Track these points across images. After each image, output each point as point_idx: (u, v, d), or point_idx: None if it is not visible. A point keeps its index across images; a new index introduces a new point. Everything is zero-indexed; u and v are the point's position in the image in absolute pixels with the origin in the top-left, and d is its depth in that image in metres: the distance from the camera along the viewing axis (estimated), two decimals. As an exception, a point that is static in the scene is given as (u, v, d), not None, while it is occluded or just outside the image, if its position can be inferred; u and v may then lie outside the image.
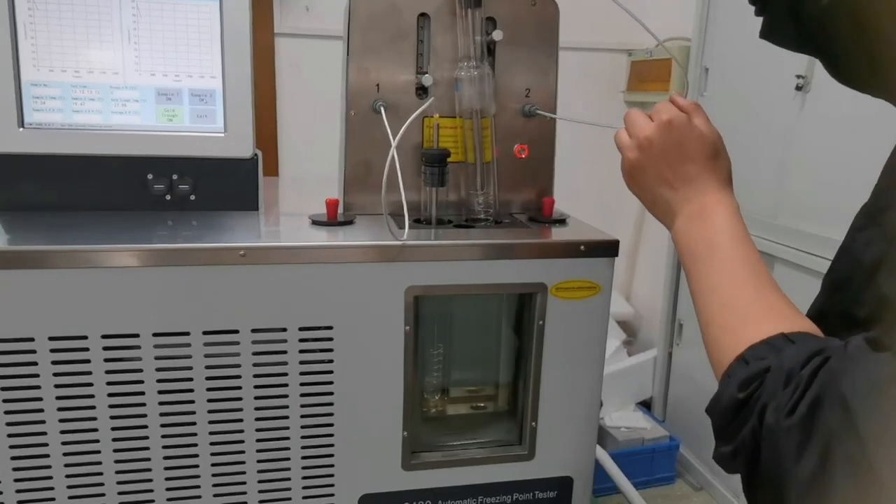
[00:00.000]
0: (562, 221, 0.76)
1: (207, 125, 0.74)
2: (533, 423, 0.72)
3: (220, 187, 0.75)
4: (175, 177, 0.74)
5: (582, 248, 0.68)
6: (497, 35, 0.72)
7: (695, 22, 1.80)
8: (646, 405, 2.01)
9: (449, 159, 0.72)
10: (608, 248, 0.69)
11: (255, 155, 0.76)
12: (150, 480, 0.64)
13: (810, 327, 0.46)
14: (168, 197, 0.74)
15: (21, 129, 0.71)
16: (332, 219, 0.70)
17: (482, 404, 0.80)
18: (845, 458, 0.36)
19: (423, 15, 0.73)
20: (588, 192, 1.57)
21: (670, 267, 1.87)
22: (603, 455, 1.40)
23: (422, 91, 0.74)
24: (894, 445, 0.34)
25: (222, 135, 0.74)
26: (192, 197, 0.74)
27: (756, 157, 1.57)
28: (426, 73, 0.73)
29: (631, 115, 0.59)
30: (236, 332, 0.63)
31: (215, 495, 0.66)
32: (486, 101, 0.73)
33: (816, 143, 1.40)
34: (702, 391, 1.83)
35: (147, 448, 0.63)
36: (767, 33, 0.60)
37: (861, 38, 0.51)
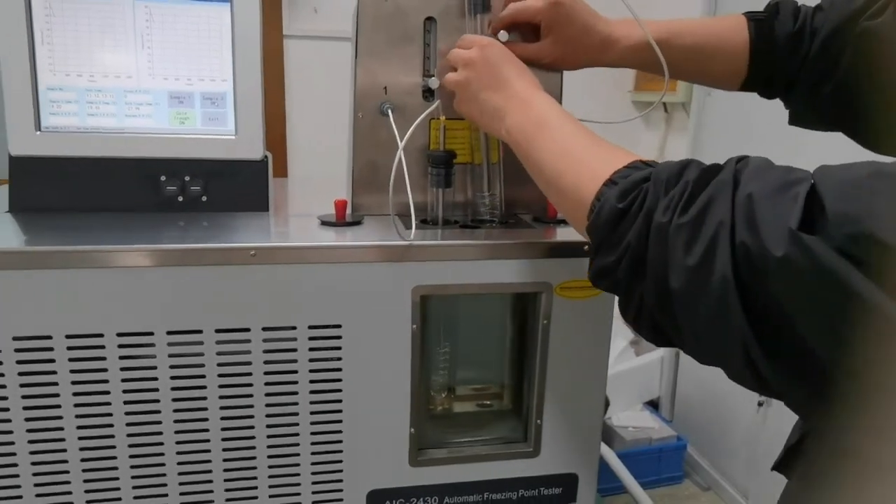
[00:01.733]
0: (566, 221, 0.77)
1: (218, 128, 0.76)
2: (538, 421, 0.73)
3: (231, 188, 0.76)
4: (187, 178, 0.75)
5: (586, 248, 0.69)
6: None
7: (701, 15, 1.80)
8: (653, 405, 2.01)
9: (455, 161, 0.73)
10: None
11: (265, 157, 0.78)
12: (163, 475, 0.66)
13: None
14: (180, 198, 0.76)
15: (38, 133, 0.72)
16: (341, 219, 0.71)
17: (488, 402, 0.81)
18: (729, 245, 0.38)
19: (429, 19, 0.74)
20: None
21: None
22: (609, 454, 1.41)
23: (428, 93, 0.75)
24: (785, 231, 0.36)
25: (233, 137, 0.76)
26: (204, 198, 0.76)
27: (764, 156, 1.57)
28: (433, 75, 0.74)
29: (452, 51, 0.69)
30: (247, 330, 0.64)
31: (227, 489, 0.68)
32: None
33: (822, 144, 1.40)
34: (710, 391, 1.83)
35: (161, 444, 0.65)
36: (795, 120, 0.71)
37: (880, 103, 0.58)
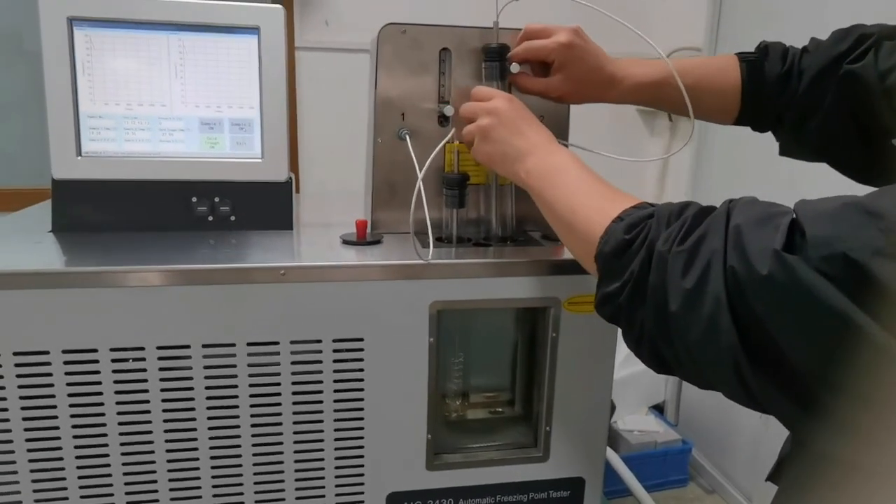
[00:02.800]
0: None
1: (246, 152, 0.81)
2: (547, 428, 0.78)
3: (258, 209, 0.81)
4: (217, 199, 0.80)
5: (592, 265, 0.73)
6: (514, 68, 0.77)
7: (704, 31, 1.84)
8: (658, 409, 2.05)
9: (469, 182, 0.78)
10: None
11: (290, 178, 0.82)
12: (198, 479, 0.71)
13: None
14: (210, 218, 0.81)
15: (79, 158, 0.78)
16: (362, 238, 0.76)
17: (500, 409, 0.85)
18: (722, 270, 0.42)
19: (444, 49, 0.79)
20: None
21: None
22: (614, 458, 1.45)
23: (444, 119, 0.80)
24: (769, 251, 0.40)
25: (259, 161, 0.81)
26: (233, 218, 0.81)
27: (767, 166, 1.61)
28: (448, 103, 0.79)
29: (467, 104, 0.72)
30: (276, 343, 0.69)
31: (256, 492, 0.72)
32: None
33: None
34: (714, 395, 1.86)
35: (196, 449, 0.70)
36: (785, 151, 0.77)
37: (860, 139, 0.65)
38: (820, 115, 0.67)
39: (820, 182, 1.42)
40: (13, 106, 1.93)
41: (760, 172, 1.63)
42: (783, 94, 0.71)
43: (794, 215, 0.41)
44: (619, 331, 0.71)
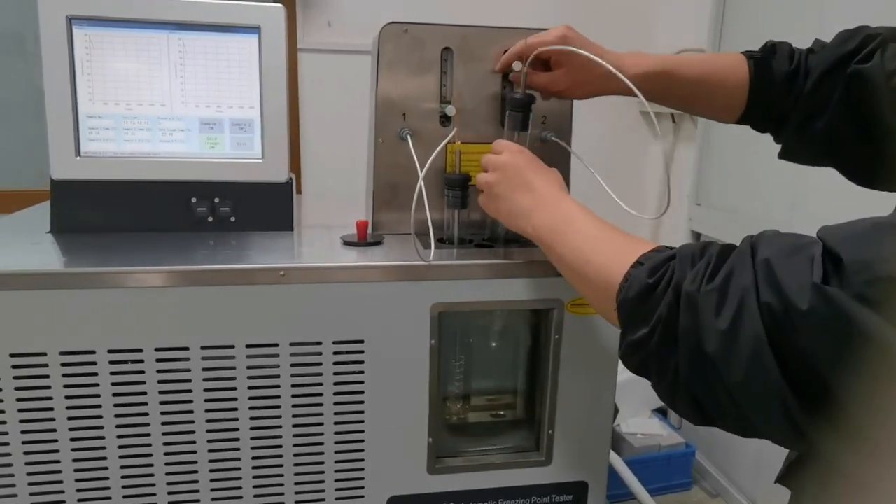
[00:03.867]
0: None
1: (246, 152, 0.80)
2: (550, 431, 0.77)
3: (258, 209, 0.81)
4: (216, 200, 0.80)
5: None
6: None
7: (708, 31, 1.83)
8: (661, 412, 2.03)
9: (470, 183, 0.77)
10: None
11: (290, 179, 0.82)
12: (196, 482, 0.70)
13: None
14: (210, 218, 0.80)
15: (78, 158, 0.77)
16: (363, 239, 0.75)
17: (502, 413, 0.84)
18: (756, 307, 0.41)
19: (446, 49, 0.78)
20: (602, 208, 1.62)
21: (685, 276, 1.90)
22: (618, 461, 1.44)
23: (445, 119, 0.79)
24: (808, 285, 0.39)
25: (260, 161, 0.80)
26: (233, 218, 0.80)
27: (771, 166, 1.60)
28: (449, 103, 0.78)
29: (485, 156, 0.72)
30: (276, 345, 0.68)
31: (255, 496, 0.72)
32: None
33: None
34: (717, 398, 1.85)
35: (194, 452, 0.69)
36: (786, 154, 0.75)
37: (868, 141, 0.63)
38: (826, 114, 0.66)
39: (822, 183, 1.41)
40: (14, 108, 1.93)
41: (763, 173, 1.62)
42: (790, 92, 0.70)
43: (823, 243, 0.40)
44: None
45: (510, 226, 0.68)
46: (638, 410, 1.96)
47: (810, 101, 0.68)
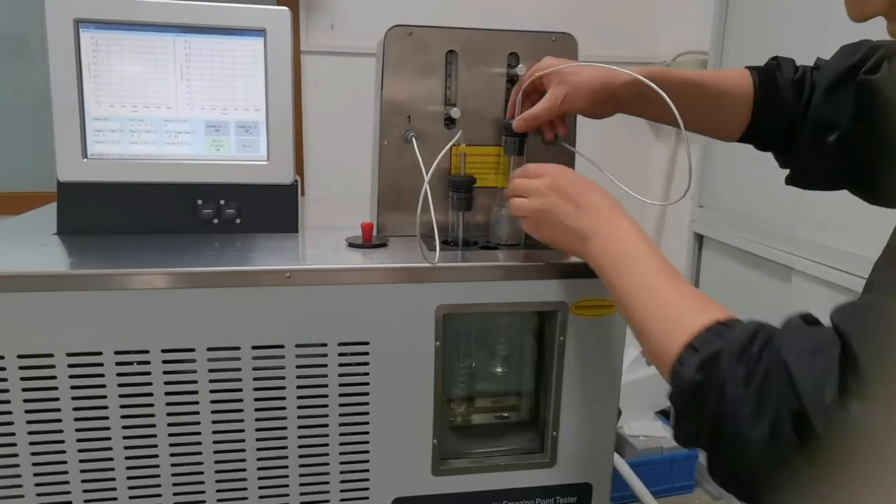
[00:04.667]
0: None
1: (252, 154, 0.81)
2: (554, 433, 0.77)
3: (263, 211, 0.81)
4: (222, 202, 0.80)
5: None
6: (521, 70, 0.77)
7: (711, 35, 1.83)
8: (664, 414, 2.03)
9: (475, 185, 0.78)
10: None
11: (295, 181, 0.82)
12: (202, 483, 0.70)
13: (730, 314, 0.53)
14: (216, 220, 0.80)
15: (84, 160, 0.77)
16: (368, 241, 0.76)
17: (506, 414, 0.85)
18: (790, 416, 0.42)
19: (450, 51, 0.78)
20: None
21: (687, 278, 1.90)
22: (621, 463, 1.44)
23: (450, 122, 0.79)
24: (825, 403, 0.40)
25: (265, 163, 0.81)
26: (238, 220, 0.80)
27: (774, 168, 1.60)
28: (454, 105, 0.78)
29: (515, 183, 0.70)
30: (281, 346, 0.68)
31: (260, 497, 0.72)
32: (520, 231, 0.78)
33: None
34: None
35: (200, 453, 0.69)
36: (794, 179, 0.73)
37: (882, 156, 0.62)
38: (838, 129, 0.65)
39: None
40: (18, 110, 1.93)
41: (765, 175, 1.62)
42: (797, 102, 0.69)
43: (841, 341, 0.41)
44: (627, 334, 0.70)
45: (569, 251, 0.66)
46: (641, 413, 1.96)
47: (820, 115, 0.67)
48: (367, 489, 0.74)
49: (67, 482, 0.67)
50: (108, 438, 0.67)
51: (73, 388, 0.65)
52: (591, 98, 0.72)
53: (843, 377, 0.40)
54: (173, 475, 0.69)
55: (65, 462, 0.67)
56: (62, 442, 0.66)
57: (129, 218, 0.79)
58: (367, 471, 0.73)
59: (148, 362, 0.66)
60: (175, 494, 0.70)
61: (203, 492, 0.70)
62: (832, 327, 0.43)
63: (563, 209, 0.65)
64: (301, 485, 0.72)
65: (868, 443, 0.38)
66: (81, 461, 0.67)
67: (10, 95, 1.91)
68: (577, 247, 0.65)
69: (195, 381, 0.68)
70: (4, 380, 0.64)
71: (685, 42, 1.98)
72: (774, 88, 0.69)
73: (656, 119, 0.73)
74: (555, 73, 0.72)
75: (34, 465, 0.66)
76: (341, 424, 0.71)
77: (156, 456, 0.68)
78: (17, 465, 0.66)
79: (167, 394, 0.67)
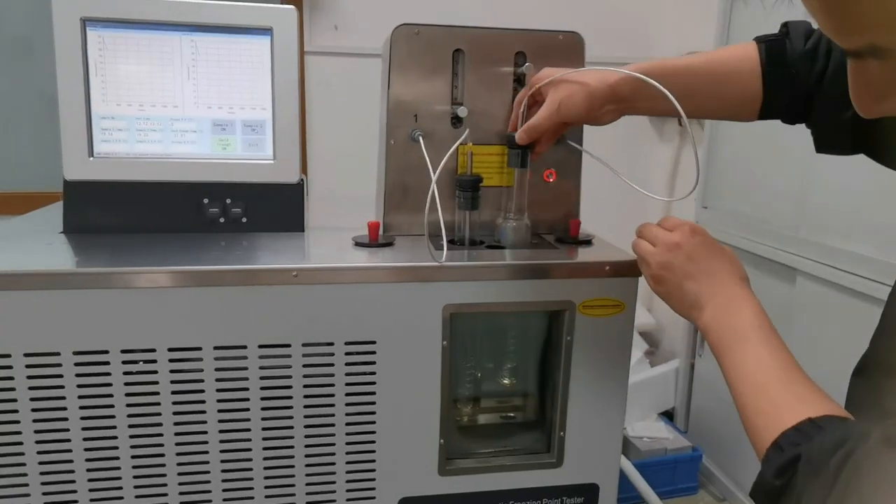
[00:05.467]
0: (587, 242, 0.80)
1: (258, 153, 0.81)
2: (561, 433, 0.77)
3: (270, 210, 0.81)
4: (228, 201, 0.80)
5: (607, 268, 0.72)
6: (528, 69, 0.77)
7: (715, 34, 1.83)
8: (668, 415, 2.03)
9: (482, 184, 0.77)
10: (632, 269, 0.73)
11: (301, 180, 0.82)
12: (208, 482, 0.70)
13: (834, 409, 0.50)
14: (222, 219, 0.80)
15: (91, 159, 0.77)
16: (374, 240, 0.75)
17: (512, 414, 0.84)
18: None
19: (457, 51, 0.78)
20: (612, 210, 1.61)
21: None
22: (627, 465, 1.44)
23: (456, 121, 0.79)
24: None
25: (272, 162, 0.81)
26: (244, 219, 0.80)
27: (778, 168, 1.60)
28: (461, 104, 0.78)
29: (649, 227, 0.67)
30: (288, 345, 0.68)
31: (266, 496, 0.71)
32: (525, 242, 0.79)
33: (833, 162, 1.42)
34: (724, 402, 1.84)
35: (206, 452, 0.69)
36: (822, 147, 0.67)
37: None
38: None
39: (829, 186, 1.41)
40: (24, 112, 1.94)
41: (769, 176, 1.62)
42: (810, 72, 0.63)
43: None
44: (634, 334, 0.69)
45: (681, 314, 0.64)
46: (645, 414, 1.96)
47: (836, 89, 0.61)
48: (373, 489, 0.74)
49: (73, 481, 0.67)
50: (115, 437, 0.67)
51: (79, 386, 0.65)
52: (588, 100, 0.70)
53: None
54: (179, 474, 0.69)
55: (71, 461, 0.67)
56: (68, 441, 0.66)
57: (135, 217, 0.79)
58: (373, 470, 0.73)
59: (154, 361, 0.66)
60: (181, 493, 0.70)
61: (209, 490, 0.70)
62: None
63: (686, 269, 0.63)
64: (307, 484, 0.72)
65: None
66: (87, 460, 0.67)
67: (15, 96, 1.92)
68: (692, 312, 0.62)
69: (202, 380, 0.67)
70: (11, 378, 0.64)
71: (688, 40, 1.98)
72: (783, 62, 0.65)
73: (662, 113, 0.71)
74: (551, 81, 0.72)
75: (40, 463, 0.66)
76: (348, 424, 0.71)
77: (162, 455, 0.68)
78: (24, 465, 0.66)
79: (174, 392, 0.67)
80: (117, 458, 0.67)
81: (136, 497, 0.69)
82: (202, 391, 0.68)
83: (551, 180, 0.81)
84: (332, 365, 0.69)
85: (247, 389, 0.68)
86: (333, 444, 0.71)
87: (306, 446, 0.71)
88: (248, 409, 0.69)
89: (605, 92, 0.70)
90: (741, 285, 0.61)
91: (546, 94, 0.73)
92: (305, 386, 0.69)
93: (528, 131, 0.73)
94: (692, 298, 0.62)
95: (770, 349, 0.56)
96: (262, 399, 0.69)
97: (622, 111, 0.73)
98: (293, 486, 0.72)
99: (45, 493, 0.67)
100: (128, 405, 0.67)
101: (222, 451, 0.69)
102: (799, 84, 0.65)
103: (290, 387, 0.69)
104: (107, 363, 0.65)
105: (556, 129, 0.75)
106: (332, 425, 0.71)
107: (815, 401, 0.52)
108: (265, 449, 0.70)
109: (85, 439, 0.66)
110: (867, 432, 0.44)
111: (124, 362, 0.66)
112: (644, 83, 0.66)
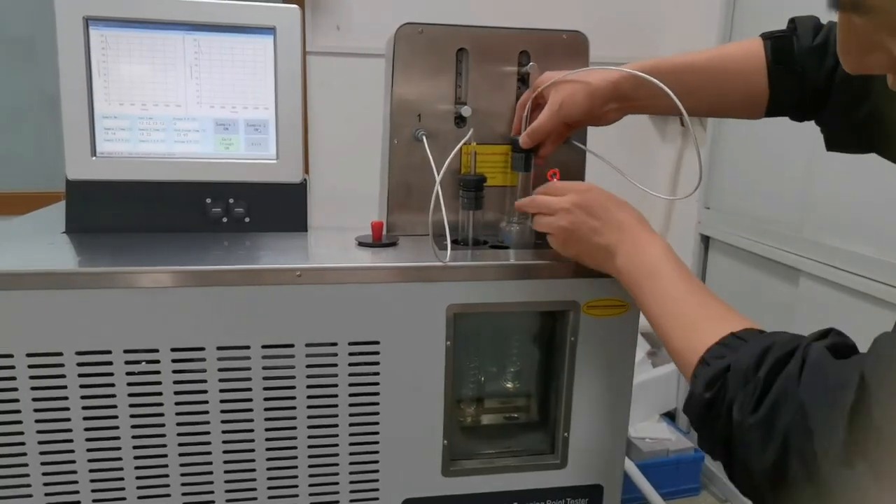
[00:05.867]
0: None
1: (261, 153, 0.80)
2: (565, 434, 0.76)
3: (272, 210, 0.80)
4: (231, 200, 0.80)
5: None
6: (532, 68, 0.76)
7: (717, 34, 1.83)
8: (670, 416, 2.02)
9: (486, 184, 0.77)
10: (637, 269, 0.72)
11: (304, 180, 0.82)
12: (211, 483, 0.70)
13: (752, 324, 0.52)
14: (225, 219, 0.80)
15: (94, 158, 0.77)
16: (378, 240, 0.75)
17: (516, 415, 0.84)
18: (799, 453, 0.41)
19: (461, 50, 0.78)
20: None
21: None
22: (630, 466, 1.43)
23: (460, 120, 0.79)
24: (837, 443, 0.39)
25: (274, 162, 0.80)
26: (247, 219, 0.80)
27: (781, 169, 1.59)
28: (465, 104, 0.78)
29: (541, 199, 0.70)
30: (291, 346, 0.68)
31: (270, 497, 0.71)
32: (529, 245, 0.78)
33: (842, 156, 1.42)
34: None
35: (209, 453, 0.69)
36: (832, 145, 0.67)
37: None
38: (869, 99, 0.59)
39: (832, 186, 1.40)
40: (26, 112, 1.94)
41: (772, 176, 1.62)
42: (819, 69, 0.62)
43: (861, 389, 0.39)
44: (638, 336, 0.69)
45: (597, 267, 0.67)
46: (647, 415, 1.95)
47: (847, 87, 0.60)
48: (376, 489, 0.73)
49: (76, 481, 0.67)
50: (118, 438, 0.67)
51: (82, 386, 0.65)
52: (589, 98, 0.70)
53: (856, 429, 0.38)
54: (182, 474, 0.69)
55: (73, 462, 0.66)
56: (71, 441, 0.66)
57: (137, 216, 0.78)
58: (376, 471, 0.73)
59: (157, 361, 0.66)
60: (184, 494, 0.69)
61: (212, 491, 0.70)
62: (861, 362, 0.41)
63: (588, 226, 0.65)
64: (311, 485, 0.72)
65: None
66: (90, 460, 0.67)
67: (17, 97, 1.92)
68: (605, 263, 0.65)
69: (205, 381, 0.67)
70: (13, 378, 0.63)
71: (691, 40, 1.98)
72: (790, 59, 0.63)
73: (666, 112, 0.70)
74: (553, 83, 0.71)
75: (43, 464, 0.66)
76: (351, 424, 0.71)
77: (165, 455, 0.68)
78: (26, 465, 0.65)
79: (176, 393, 0.67)
80: (120, 459, 0.67)
81: (139, 497, 0.68)
82: (205, 391, 0.67)
83: (555, 180, 0.81)
84: (335, 365, 0.69)
85: (250, 390, 0.68)
86: (337, 445, 0.71)
87: (309, 447, 0.71)
88: (251, 410, 0.68)
89: (606, 90, 0.70)
90: (643, 228, 0.64)
91: (548, 97, 0.72)
92: (309, 386, 0.69)
93: (531, 134, 0.73)
94: (603, 251, 0.65)
95: (681, 278, 0.58)
96: (266, 399, 0.68)
97: (625, 110, 0.73)
98: (296, 486, 0.71)
99: (47, 494, 0.66)
100: (130, 405, 0.66)
101: (225, 452, 0.69)
102: (807, 81, 0.64)
103: (293, 387, 0.69)
104: (109, 363, 0.65)
105: (560, 132, 0.74)
106: (336, 426, 0.71)
107: (733, 318, 0.54)
108: (268, 449, 0.70)
109: (88, 440, 0.66)
110: (801, 341, 0.46)
111: (127, 362, 0.65)
112: (646, 82, 0.65)
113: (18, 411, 0.64)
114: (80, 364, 0.65)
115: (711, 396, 0.49)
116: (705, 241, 1.94)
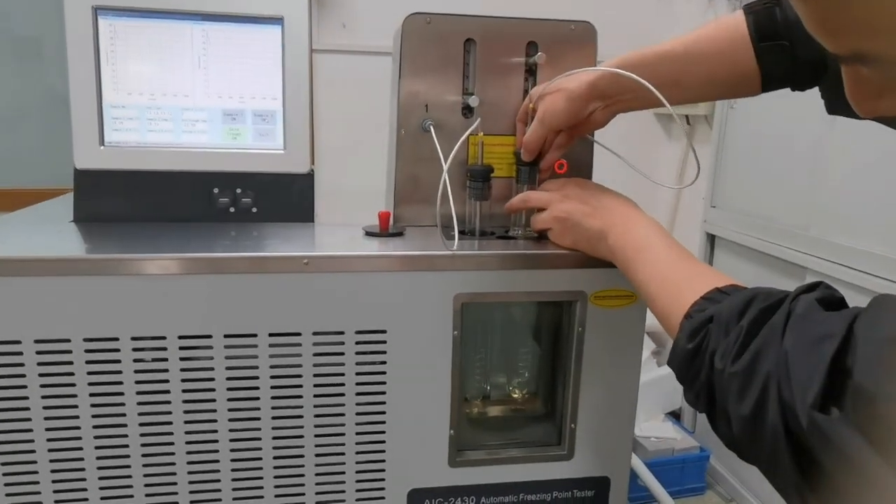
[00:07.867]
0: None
1: (268, 143, 0.80)
2: (572, 425, 0.76)
3: (280, 200, 0.80)
4: (238, 191, 0.80)
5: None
6: (540, 59, 0.76)
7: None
8: (675, 416, 2.02)
9: (493, 175, 0.77)
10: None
11: (311, 171, 0.82)
12: (217, 471, 0.69)
13: (737, 283, 0.53)
14: (232, 209, 0.80)
15: (102, 148, 0.77)
16: (385, 230, 0.75)
17: (523, 406, 0.84)
18: (777, 400, 0.41)
19: (468, 40, 0.78)
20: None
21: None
22: (637, 462, 1.43)
23: (467, 111, 0.79)
24: (814, 392, 0.38)
25: (282, 152, 0.80)
26: (254, 209, 0.80)
27: (788, 168, 1.59)
28: (472, 94, 0.78)
29: (532, 193, 0.75)
30: (298, 334, 0.68)
31: (276, 486, 0.71)
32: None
33: (848, 153, 1.41)
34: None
35: (216, 441, 0.69)
36: (832, 109, 0.64)
37: None
38: None
39: (838, 185, 1.40)
40: (33, 109, 1.95)
41: (778, 175, 1.61)
42: (809, 39, 0.58)
43: (846, 339, 0.38)
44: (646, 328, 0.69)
45: (591, 252, 0.69)
46: (652, 414, 1.95)
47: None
48: (382, 479, 0.73)
49: (83, 468, 0.67)
50: (125, 425, 0.67)
51: (89, 373, 0.65)
52: (568, 103, 0.69)
53: (834, 379, 0.37)
54: (189, 463, 0.69)
55: (80, 448, 0.66)
56: (78, 428, 0.66)
57: (145, 206, 0.78)
58: (383, 461, 0.72)
59: (164, 349, 0.66)
60: (191, 483, 0.69)
61: (218, 480, 0.70)
62: (852, 315, 0.40)
63: (581, 211, 0.69)
64: (317, 474, 0.71)
65: (844, 459, 0.36)
66: (97, 447, 0.67)
67: (24, 95, 1.93)
68: (599, 245, 0.67)
69: (212, 368, 0.67)
70: (21, 364, 0.64)
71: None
72: (774, 34, 0.60)
73: (654, 105, 0.67)
74: (541, 95, 0.73)
75: (50, 450, 0.66)
76: (358, 414, 0.71)
77: (172, 443, 0.68)
78: (34, 451, 0.65)
79: (183, 380, 0.67)
80: (127, 447, 0.67)
81: (146, 485, 0.68)
82: (212, 379, 0.67)
83: (562, 171, 0.81)
84: (342, 354, 0.69)
85: (256, 378, 0.68)
86: (343, 434, 0.71)
87: (316, 436, 0.70)
88: (257, 398, 0.68)
89: (583, 91, 0.68)
90: (632, 208, 0.68)
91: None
92: (315, 374, 0.69)
93: (524, 148, 0.75)
94: (596, 233, 0.67)
95: (669, 249, 0.60)
96: (272, 388, 0.68)
97: (612, 109, 0.71)
98: (303, 475, 0.71)
99: (54, 481, 0.66)
100: (137, 393, 0.66)
101: (231, 440, 0.69)
102: (798, 51, 0.60)
103: (299, 375, 0.69)
104: (117, 350, 0.65)
105: (559, 143, 0.75)
106: (343, 415, 0.70)
107: (718, 277, 0.54)
108: (274, 438, 0.70)
109: (95, 426, 0.66)
110: (788, 294, 0.46)
111: (134, 349, 0.65)
112: (623, 77, 0.63)
113: (26, 398, 0.64)
114: (87, 351, 0.65)
115: (694, 346, 0.49)
116: (711, 239, 1.94)
